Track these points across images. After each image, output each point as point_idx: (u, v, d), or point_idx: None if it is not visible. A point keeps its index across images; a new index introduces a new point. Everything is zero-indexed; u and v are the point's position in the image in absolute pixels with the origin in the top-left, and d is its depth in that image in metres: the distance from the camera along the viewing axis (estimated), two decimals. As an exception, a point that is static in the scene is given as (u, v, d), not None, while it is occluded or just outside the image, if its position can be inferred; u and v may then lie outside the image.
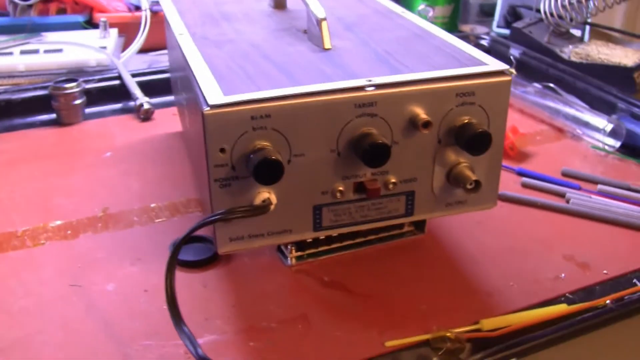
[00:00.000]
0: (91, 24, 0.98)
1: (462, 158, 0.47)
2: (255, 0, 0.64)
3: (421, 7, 1.00)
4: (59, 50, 0.88)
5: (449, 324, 0.45)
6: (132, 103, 0.79)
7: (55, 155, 0.69)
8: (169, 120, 0.76)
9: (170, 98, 0.79)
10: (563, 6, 0.91)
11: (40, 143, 0.72)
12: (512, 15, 1.05)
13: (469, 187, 0.46)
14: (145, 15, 0.96)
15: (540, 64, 0.88)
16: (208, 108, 0.41)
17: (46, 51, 0.87)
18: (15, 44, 0.89)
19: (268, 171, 0.41)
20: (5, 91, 0.78)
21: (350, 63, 0.47)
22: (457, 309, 0.47)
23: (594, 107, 0.76)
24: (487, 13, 1.10)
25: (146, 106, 0.77)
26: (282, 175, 0.42)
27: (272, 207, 0.44)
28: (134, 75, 0.83)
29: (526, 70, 0.88)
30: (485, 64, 0.47)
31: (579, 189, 0.63)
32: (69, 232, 0.56)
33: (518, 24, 0.96)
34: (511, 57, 0.91)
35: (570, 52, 0.90)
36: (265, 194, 0.44)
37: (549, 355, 0.45)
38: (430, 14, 0.99)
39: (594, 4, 0.91)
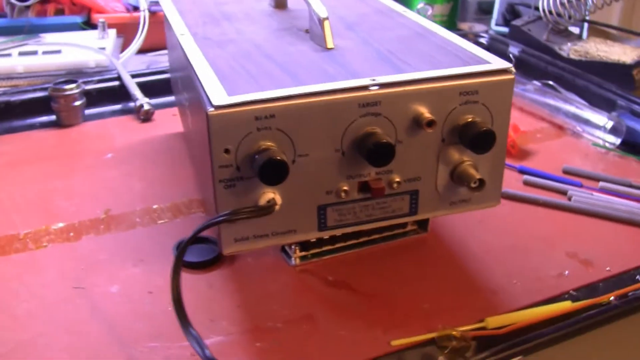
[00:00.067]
0: (89, 24, 0.97)
1: (465, 157, 0.47)
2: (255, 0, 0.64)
3: (420, 5, 1.00)
4: (58, 52, 0.87)
5: (452, 323, 0.45)
6: (132, 104, 0.79)
7: (56, 157, 0.69)
8: (169, 121, 0.76)
9: (170, 99, 0.78)
10: (562, 4, 0.91)
11: (40, 145, 0.72)
12: (511, 13, 1.05)
13: (473, 185, 0.46)
14: (143, 15, 0.95)
15: (539, 61, 0.88)
16: (212, 109, 0.41)
17: (45, 52, 0.87)
18: (13, 45, 0.89)
19: (273, 172, 0.41)
20: (4, 93, 0.78)
21: (353, 62, 0.47)
22: (460, 308, 0.47)
23: (593, 104, 0.77)
24: (485, 11, 1.10)
25: (146, 107, 0.77)
26: (287, 175, 0.42)
27: (277, 207, 0.44)
28: (133, 76, 0.83)
29: (525, 68, 0.88)
30: (488, 63, 0.47)
31: (581, 186, 0.63)
32: (71, 234, 0.56)
33: (517, 22, 0.96)
34: (510, 55, 0.91)
35: (569, 50, 0.90)
36: (270, 195, 0.44)
37: (554, 352, 0.45)
38: (429, 12, 1.00)
39: (592, 2, 0.91)
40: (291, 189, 0.44)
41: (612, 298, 0.48)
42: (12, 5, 0.95)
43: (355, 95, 0.43)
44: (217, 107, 0.41)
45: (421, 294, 0.49)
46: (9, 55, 0.87)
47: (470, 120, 0.45)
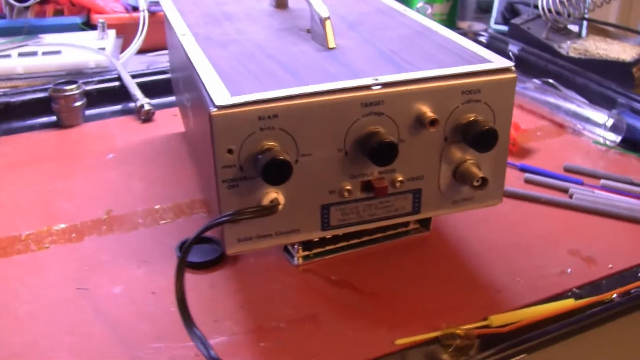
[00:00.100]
0: (89, 25, 0.97)
1: (468, 155, 0.47)
2: (256, -1, 0.64)
3: (420, 4, 1.00)
4: (58, 52, 0.87)
5: (456, 321, 0.45)
6: (132, 104, 0.79)
7: (57, 157, 0.69)
8: (170, 121, 0.76)
9: (171, 99, 0.78)
10: (561, 2, 0.91)
11: (41, 146, 0.72)
12: (510, 11, 1.05)
13: (475, 184, 0.46)
14: (143, 15, 0.95)
15: (539, 60, 0.88)
16: (215, 109, 0.41)
17: (44, 53, 0.87)
18: (13, 46, 0.89)
19: (276, 171, 0.41)
20: (4, 94, 0.78)
21: (355, 62, 0.47)
22: (463, 306, 0.47)
23: (593, 102, 0.77)
24: (484, 10, 1.11)
25: (147, 107, 0.77)
26: (291, 175, 0.42)
27: (280, 207, 0.44)
28: (133, 76, 0.82)
29: (525, 67, 0.88)
30: (490, 61, 0.47)
31: (582, 184, 0.63)
32: (74, 235, 0.56)
33: (516, 21, 0.96)
34: (510, 54, 0.91)
35: (569, 48, 0.90)
36: (273, 194, 0.44)
37: (558, 350, 0.45)
38: (429, 11, 1.00)
39: (591, 0, 0.91)
40: (294, 188, 0.44)
41: (614, 295, 0.48)
42: (11, 6, 0.95)
43: (358, 95, 0.43)
44: (220, 108, 0.41)
45: (424, 292, 0.49)
46: (8, 56, 0.86)
47: (472, 119, 0.45)
